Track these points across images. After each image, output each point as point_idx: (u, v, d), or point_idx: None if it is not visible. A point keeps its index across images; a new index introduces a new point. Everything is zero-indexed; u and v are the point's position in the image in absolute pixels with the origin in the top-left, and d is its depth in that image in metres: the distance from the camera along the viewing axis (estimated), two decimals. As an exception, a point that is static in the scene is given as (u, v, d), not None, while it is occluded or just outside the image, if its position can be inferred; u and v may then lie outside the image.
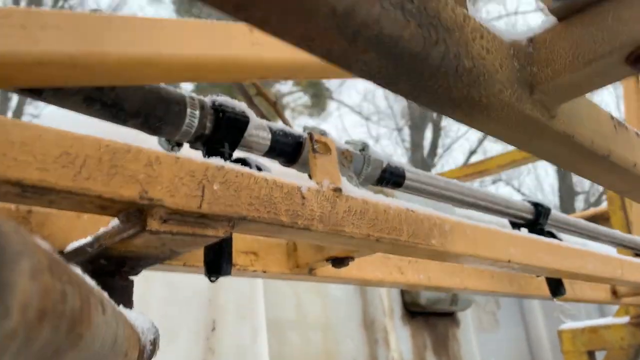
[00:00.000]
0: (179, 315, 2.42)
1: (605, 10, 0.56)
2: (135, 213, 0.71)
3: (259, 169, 1.03)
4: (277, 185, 0.83)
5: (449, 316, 4.04)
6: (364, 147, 1.24)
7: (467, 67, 0.52)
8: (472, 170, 4.58)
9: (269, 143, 1.06)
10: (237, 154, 1.04)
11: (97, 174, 0.66)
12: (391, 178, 1.30)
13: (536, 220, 1.65)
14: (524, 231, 1.72)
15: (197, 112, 0.94)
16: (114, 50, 0.74)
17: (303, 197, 0.87)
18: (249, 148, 1.04)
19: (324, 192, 0.90)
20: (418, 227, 1.04)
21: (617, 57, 0.55)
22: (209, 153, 0.99)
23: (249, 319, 2.62)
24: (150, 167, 0.71)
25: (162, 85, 0.93)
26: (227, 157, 0.99)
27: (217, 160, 0.78)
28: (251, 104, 4.27)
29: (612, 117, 0.75)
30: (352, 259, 1.13)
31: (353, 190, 0.97)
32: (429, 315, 3.85)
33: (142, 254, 0.80)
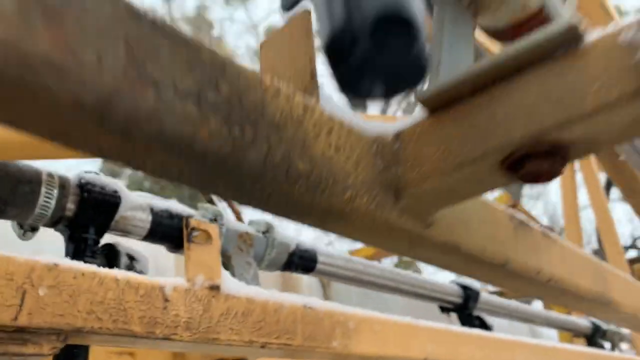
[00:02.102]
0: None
1: (479, 106, 0.47)
2: None
3: (131, 258, 0.90)
4: (130, 286, 0.70)
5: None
6: (269, 229, 1.12)
7: (302, 171, 0.41)
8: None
9: (148, 226, 0.92)
10: (110, 238, 0.91)
11: None
12: (300, 263, 1.18)
13: (465, 304, 1.55)
14: (453, 317, 1.61)
15: (55, 192, 0.81)
16: None
17: (166, 300, 0.73)
18: (124, 232, 0.91)
19: (195, 292, 0.77)
20: (316, 328, 0.91)
21: (490, 161, 0.45)
22: (71, 239, 0.85)
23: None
24: (-52, 270, 0.56)
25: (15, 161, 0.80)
26: (93, 243, 0.86)
27: (49, 258, 0.64)
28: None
29: (512, 217, 0.66)
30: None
31: (238, 286, 0.84)
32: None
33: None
